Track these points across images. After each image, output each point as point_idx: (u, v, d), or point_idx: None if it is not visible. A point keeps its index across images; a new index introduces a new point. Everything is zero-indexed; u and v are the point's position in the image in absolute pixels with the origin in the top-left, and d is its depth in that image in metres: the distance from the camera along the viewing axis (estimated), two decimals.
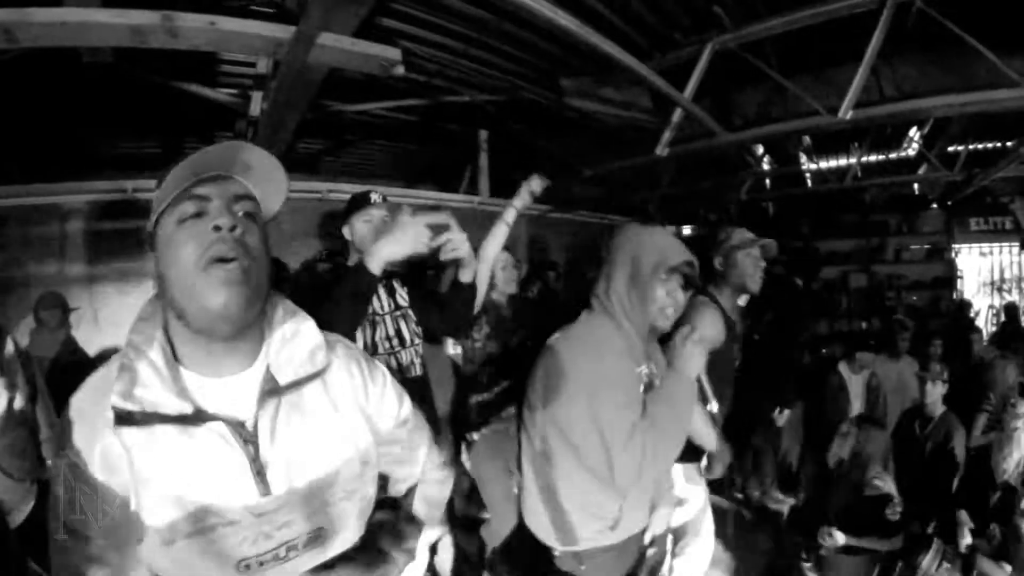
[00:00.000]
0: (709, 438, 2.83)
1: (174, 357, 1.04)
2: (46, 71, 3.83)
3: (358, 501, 1.18)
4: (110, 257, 4.85)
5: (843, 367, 5.35)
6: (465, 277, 2.61)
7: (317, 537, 1.12)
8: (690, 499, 3.11)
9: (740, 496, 5.26)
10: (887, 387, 5.30)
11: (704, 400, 2.29)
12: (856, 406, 5.20)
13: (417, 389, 2.59)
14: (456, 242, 2.28)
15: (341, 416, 1.16)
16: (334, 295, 2.17)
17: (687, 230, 11.26)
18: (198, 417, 1.00)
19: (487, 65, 4.78)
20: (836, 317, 10.66)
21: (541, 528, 2.13)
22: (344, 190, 4.71)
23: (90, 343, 4.62)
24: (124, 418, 0.96)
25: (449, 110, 5.68)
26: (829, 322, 10.53)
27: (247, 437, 1.03)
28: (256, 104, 4.19)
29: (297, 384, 1.11)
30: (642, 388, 2.05)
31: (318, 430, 1.12)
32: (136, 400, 0.97)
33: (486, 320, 3.60)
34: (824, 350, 6.99)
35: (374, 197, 2.66)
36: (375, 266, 2.10)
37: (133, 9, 2.71)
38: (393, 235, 2.09)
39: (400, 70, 3.55)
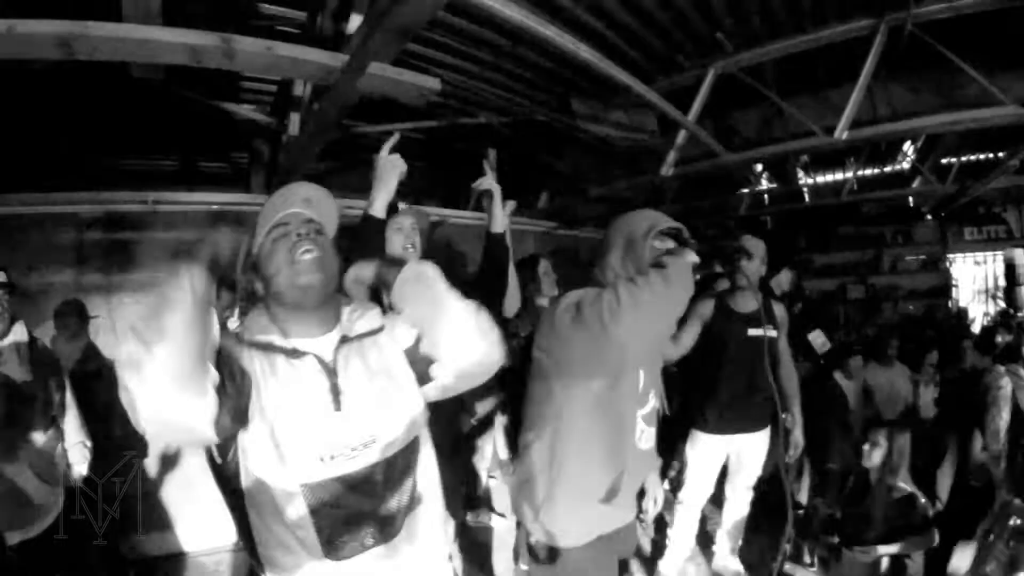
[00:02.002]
0: None
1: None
2: (78, 82, 3.98)
3: (405, 416, 1.57)
4: (130, 268, 4.93)
5: (838, 375, 5.55)
6: (496, 227, 2.87)
7: (371, 442, 1.49)
8: None
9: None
10: (879, 394, 5.51)
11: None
12: (854, 412, 5.39)
13: None
14: (486, 181, 2.72)
15: (390, 357, 1.61)
16: (358, 248, 2.40)
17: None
18: (297, 352, 1.47)
19: (503, 88, 4.97)
20: (834, 328, 10.82)
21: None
22: (358, 206, 4.85)
23: (109, 352, 4.66)
24: (259, 347, 1.46)
25: (460, 130, 5.82)
26: (827, 333, 10.67)
27: (328, 368, 1.48)
28: (295, 125, 4.33)
29: (360, 337, 1.58)
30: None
31: (376, 368, 1.56)
32: (260, 343, 1.47)
33: (529, 320, 3.72)
34: (822, 360, 7.15)
35: (401, 206, 2.80)
36: (379, 211, 2.49)
37: (192, 29, 2.76)
38: (379, 179, 2.51)
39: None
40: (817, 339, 5.41)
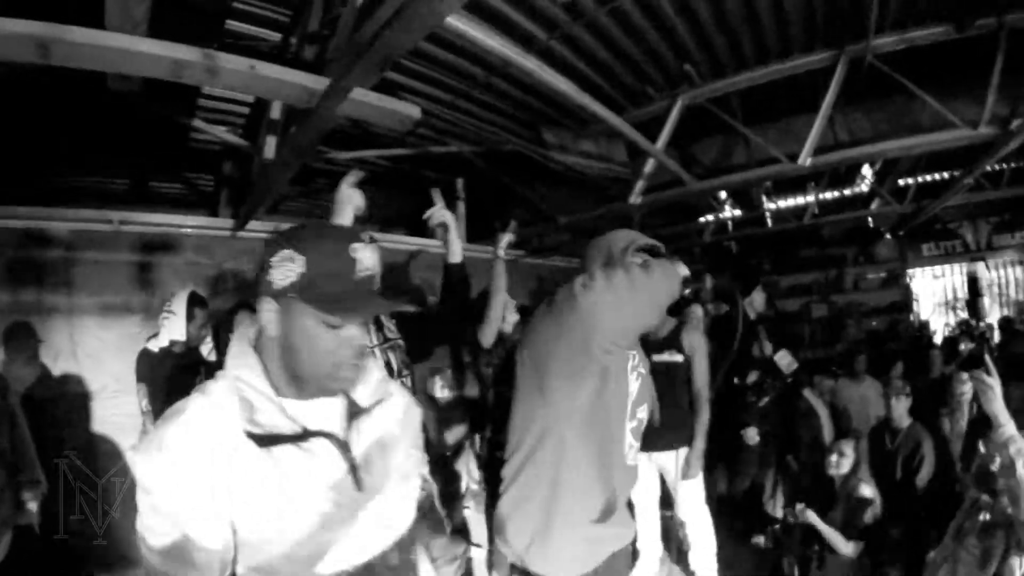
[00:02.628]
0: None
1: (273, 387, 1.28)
2: (38, 93, 3.85)
3: (408, 488, 1.52)
4: (93, 289, 4.68)
5: (807, 392, 5.72)
6: (453, 258, 2.79)
7: (387, 521, 1.44)
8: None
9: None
10: (851, 408, 5.72)
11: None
12: (826, 427, 5.57)
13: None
14: (438, 212, 2.65)
15: (397, 431, 1.49)
16: None
17: None
18: (307, 435, 1.27)
19: (475, 117, 5.05)
20: (800, 346, 11.04)
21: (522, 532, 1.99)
22: None
23: (68, 378, 4.51)
24: (256, 439, 1.21)
25: (430, 158, 5.87)
26: (794, 351, 10.89)
27: (344, 447, 1.32)
28: (270, 148, 4.18)
29: (370, 407, 1.43)
30: (632, 372, 2.06)
31: (385, 440, 1.44)
32: (259, 425, 1.22)
33: (503, 349, 3.79)
34: (789, 379, 7.30)
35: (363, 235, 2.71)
36: None
37: (178, 43, 2.65)
38: (336, 212, 2.48)
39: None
40: (783, 359, 5.53)
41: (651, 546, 4.03)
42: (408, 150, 5.50)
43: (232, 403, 1.23)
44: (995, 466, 2.67)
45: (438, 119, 4.97)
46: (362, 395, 1.42)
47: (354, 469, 1.32)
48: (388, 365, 2.69)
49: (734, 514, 5.27)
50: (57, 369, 4.50)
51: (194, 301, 4.03)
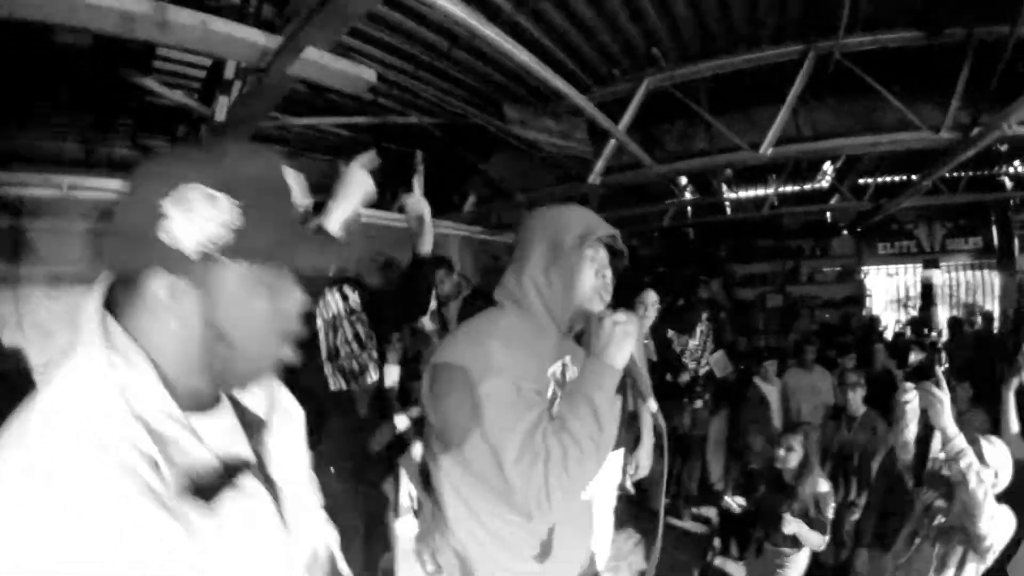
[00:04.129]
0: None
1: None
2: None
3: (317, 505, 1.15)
4: (40, 259, 4.32)
5: (757, 380, 5.77)
6: (423, 248, 2.58)
7: (315, 554, 1.09)
8: None
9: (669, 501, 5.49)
10: (800, 395, 5.74)
11: (642, 397, 1.76)
12: (776, 415, 5.66)
13: (375, 393, 2.65)
14: (416, 201, 2.43)
15: (300, 443, 1.09)
16: None
17: None
18: (230, 468, 0.85)
19: (436, 88, 4.92)
20: (754, 334, 11.17)
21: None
22: None
23: (14, 352, 4.27)
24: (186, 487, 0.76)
25: (388, 129, 5.73)
26: (748, 339, 11.04)
27: (265, 477, 0.93)
28: (222, 109, 3.97)
29: (268, 416, 1.01)
30: (553, 391, 1.60)
31: (291, 459, 1.04)
32: (176, 464, 0.76)
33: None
34: (742, 365, 7.37)
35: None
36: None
37: None
38: (342, 194, 2.04)
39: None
40: (719, 363, 5.55)
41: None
42: (366, 119, 5.33)
43: (133, 433, 0.72)
44: (947, 472, 2.67)
45: (399, 88, 4.83)
46: (255, 400, 1.00)
47: (279, 504, 0.93)
48: (357, 337, 2.61)
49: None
50: (3, 341, 4.28)
51: None
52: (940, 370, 2.75)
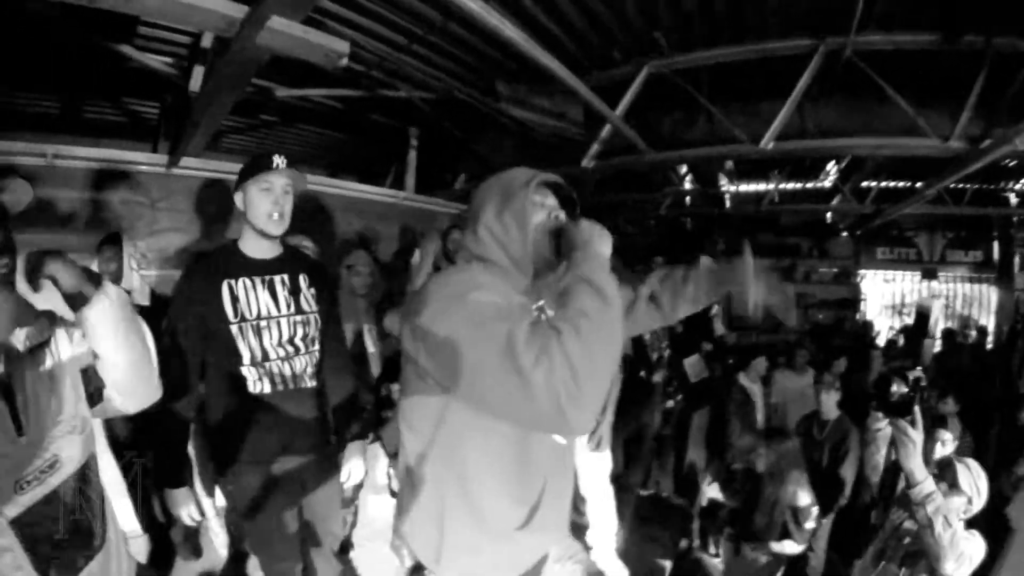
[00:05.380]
0: None
1: None
2: None
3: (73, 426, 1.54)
4: (25, 228, 4.28)
5: (743, 377, 5.59)
6: (414, 284, 2.41)
7: (56, 460, 1.46)
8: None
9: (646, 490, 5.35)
10: (788, 399, 5.57)
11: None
12: (761, 415, 5.50)
13: (309, 399, 2.40)
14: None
15: (60, 367, 1.57)
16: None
17: None
18: None
19: (426, 62, 4.73)
20: (745, 329, 11.05)
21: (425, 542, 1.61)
22: None
23: None
24: None
25: (382, 104, 5.58)
26: (737, 334, 10.93)
27: (4, 391, 1.39)
28: (197, 78, 3.96)
29: (36, 348, 1.52)
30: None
31: (48, 380, 1.51)
32: None
33: None
34: (731, 360, 7.24)
35: (277, 160, 2.24)
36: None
37: None
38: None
39: (344, 62, 3.29)
40: (693, 367, 5.38)
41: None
42: (357, 91, 5.14)
43: None
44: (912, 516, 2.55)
45: (390, 62, 4.63)
46: (17, 337, 1.43)
47: (14, 415, 1.36)
48: (292, 341, 2.35)
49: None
50: None
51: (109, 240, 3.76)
52: (919, 410, 2.60)
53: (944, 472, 2.63)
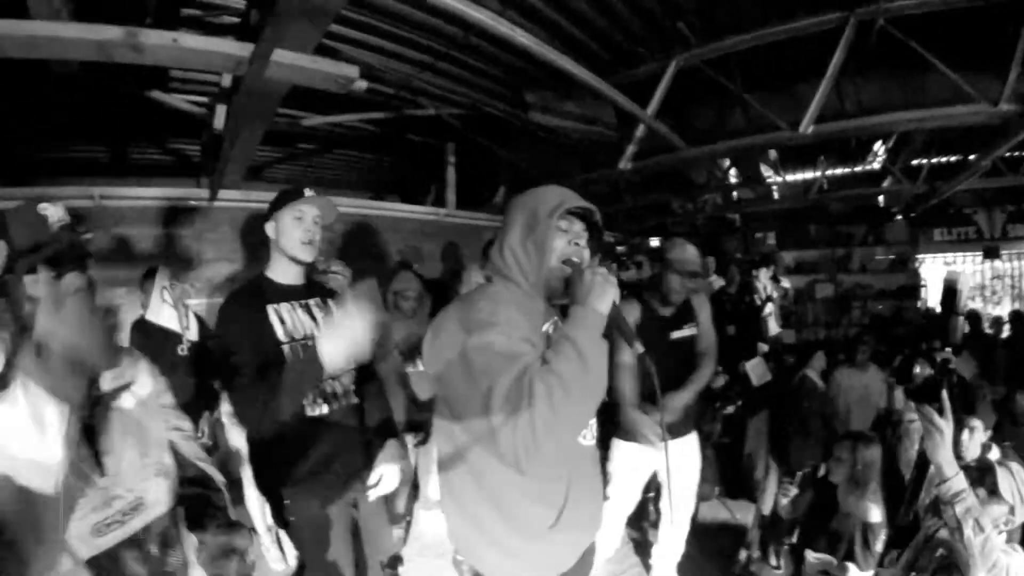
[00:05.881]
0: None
1: None
2: (13, 78, 3.75)
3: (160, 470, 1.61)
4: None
5: (811, 373, 5.32)
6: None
7: (139, 503, 1.49)
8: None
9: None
10: (851, 398, 5.22)
11: (627, 341, 1.71)
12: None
13: (354, 415, 2.49)
14: None
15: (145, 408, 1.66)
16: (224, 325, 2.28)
17: (655, 242, 10.94)
18: None
19: (451, 78, 4.74)
20: (803, 326, 10.75)
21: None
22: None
23: None
24: None
25: (416, 123, 5.64)
26: (796, 331, 10.63)
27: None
28: (220, 117, 4.15)
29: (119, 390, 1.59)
30: (546, 347, 1.63)
31: (134, 422, 1.56)
32: None
33: None
34: (791, 359, 6.99)
35: (307, 191, 2.39)
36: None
37: (100, 24, 2.70)
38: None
39: (362, 85, 3.49)
40: (756, 369, 5.14)
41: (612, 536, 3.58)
42: (384, 114, 5.23)
43: None
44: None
45: (416, 80, 4.66)
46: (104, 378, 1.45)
47: (97, 457, 1.38)
48: None
49: None
50: None
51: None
52: (947, 395, 2.38)
53: (983, 476, 2.42)
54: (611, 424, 3.45)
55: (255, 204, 4.88)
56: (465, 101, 5.03)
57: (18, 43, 2.61)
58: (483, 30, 3.21)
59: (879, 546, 3.22)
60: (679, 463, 3.44)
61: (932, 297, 10.82)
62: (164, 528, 1.49)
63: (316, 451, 2.33)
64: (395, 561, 3.09)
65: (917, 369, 5.77)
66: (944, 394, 2.36)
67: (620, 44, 4.42)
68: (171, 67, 4.08)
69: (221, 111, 4.12)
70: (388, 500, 2.76)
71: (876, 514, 3.28)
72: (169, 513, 1.52)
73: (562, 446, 1.57)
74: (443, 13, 3.52)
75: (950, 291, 9.26)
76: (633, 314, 3.27)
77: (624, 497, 3.50)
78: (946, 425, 2.26)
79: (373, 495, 2.52)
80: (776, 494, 4.15)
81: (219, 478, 2.15)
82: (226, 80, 3.93)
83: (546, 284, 1.71)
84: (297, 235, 2.34)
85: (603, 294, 1.56)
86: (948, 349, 7.27)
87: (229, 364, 2.21)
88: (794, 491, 3.70)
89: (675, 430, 3.37)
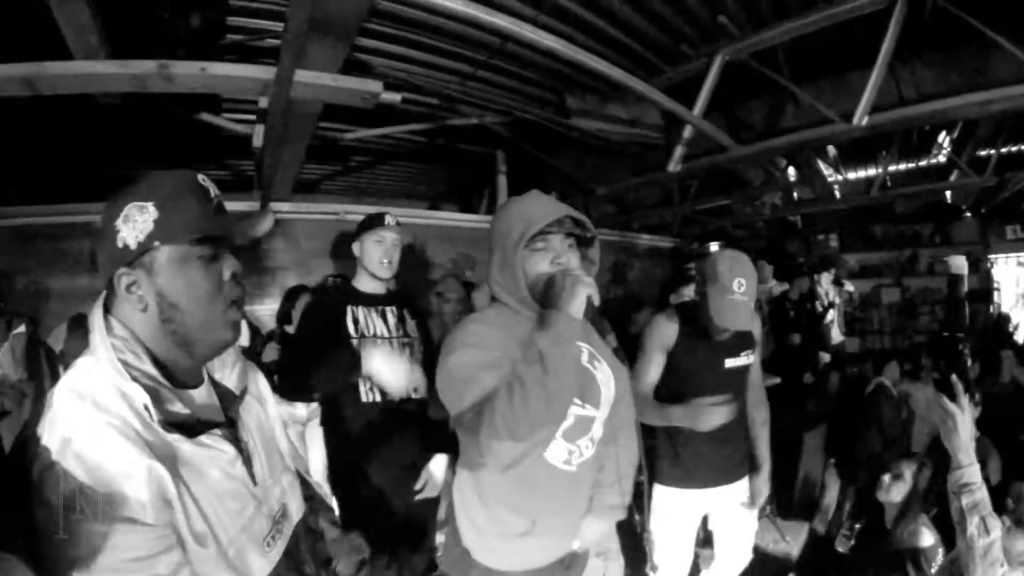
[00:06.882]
0: None
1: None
2: (68, 108, 3.93)
3: (291, 473, 1.49)
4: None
5: (887, 382, 5.01)
6: None
7: (285, 510, 1.39)
8: None
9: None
10: (916, 414, 4.91)
11: (601, 334, 1.94)
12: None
13: (413, 413, 2.81)
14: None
15: (268, 412, 1.47)
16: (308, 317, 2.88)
17: (714, 247, 10.24)
18: (202, 425, 1.18)
19: (491, 86, 4.78)
20: (867, 334, 10.35)
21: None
22: (360, 211, 4.50)
23: None
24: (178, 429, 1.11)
25: (464, 132, 5.74)
26: (861, 340, 10.24)
27: (233, 437, 1.26)
28: (259, 136, 4.30)
29: (240, 392, 1.36)
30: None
31: (264, 425, 1.42)
32: (171, 415, 1.12)
33: None
34: (855, 369, 6.69)
35: (388, 219, 2.85)
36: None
37: (133, 59, 2.98)
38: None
39: (396, 98, 3.75)
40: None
41: None
42: (431, 124, 5.39)
43: (135, 392, 1.08)
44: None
45: (459, 90, 4.78)
46: (229, 379, 1.36)
47: (248, 462, 1.27)
48: (411, 356, 2.83)
49: None
50: None
51: None
52: (959, 381, 2.20)
53: (1018, 506, 2.28)
54: (649, 469, 2.87)
55: (304, 216, 5.48)
56: (506, 109, 5.08)
57: (63, 81, 2.95)
58: (509, 36, 3.32)
59: (933, 569, 2.98)
60: (731, 515, 3.10)
61: (1005, 301, 10.31)
62: (305, 537, 1.48)
63: (367, 436, 2.71)
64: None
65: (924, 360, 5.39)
66: (955, 379, 2.22)
67: (661, 43, 4.33)
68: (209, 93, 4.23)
69: (259, 130, 4.29)
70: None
71: (928, 537, 3.08)
72: (303, 521, 1.48)
73: (538, 469, 1.83)
74: (464, 20, 3.52)
75: (955, 278, 8.50)
76: (668, 335, 2.91)
77: (675, 548, 3.05)
78: (958, 411, 2.13)
79: (419, 497, 2.83)
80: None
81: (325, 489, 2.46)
82: (263, 102, 3.98)
83: (533, 298, 1.79)
84: (377, 256, 2.83)
85: (572, 296, 1.64)
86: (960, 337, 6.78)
87: (304, 346, 2.75)
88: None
89: (728, 472, 3.04)
